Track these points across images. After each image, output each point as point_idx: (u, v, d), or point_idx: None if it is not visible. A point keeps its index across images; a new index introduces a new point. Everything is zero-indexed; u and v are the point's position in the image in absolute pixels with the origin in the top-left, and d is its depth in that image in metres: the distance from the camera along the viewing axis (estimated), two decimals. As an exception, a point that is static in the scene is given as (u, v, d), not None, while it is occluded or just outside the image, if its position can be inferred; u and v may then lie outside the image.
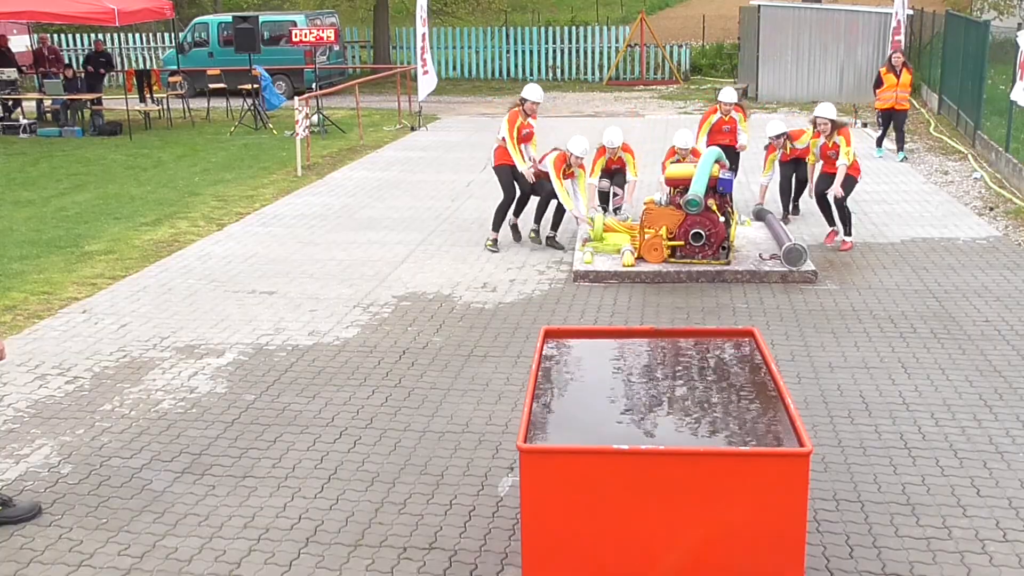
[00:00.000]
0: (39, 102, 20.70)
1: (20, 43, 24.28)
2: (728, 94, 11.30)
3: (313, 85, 19.66)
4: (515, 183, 10.04)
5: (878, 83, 14.42)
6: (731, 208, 9.33)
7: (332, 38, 19.75)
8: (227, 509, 5.05)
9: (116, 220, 11.59)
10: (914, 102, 20.78)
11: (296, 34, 19.45)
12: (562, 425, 4.22)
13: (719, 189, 9.10)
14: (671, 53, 27.76)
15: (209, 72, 22.14)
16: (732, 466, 3.79)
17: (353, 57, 29.50)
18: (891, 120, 14.48)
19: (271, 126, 19.08)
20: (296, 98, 15.53)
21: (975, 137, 15.13)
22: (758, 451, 3.89)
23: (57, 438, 5.90)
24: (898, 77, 14.09)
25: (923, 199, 11.92)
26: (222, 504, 5.10)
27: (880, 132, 14.84)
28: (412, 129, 19.07)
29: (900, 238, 10.16)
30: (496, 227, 10.06)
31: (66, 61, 23.16)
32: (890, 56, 14.70)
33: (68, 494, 5.23)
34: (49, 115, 20.67)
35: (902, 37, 18.56)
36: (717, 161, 9.15)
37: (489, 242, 10.00)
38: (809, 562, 4.19)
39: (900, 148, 14.63)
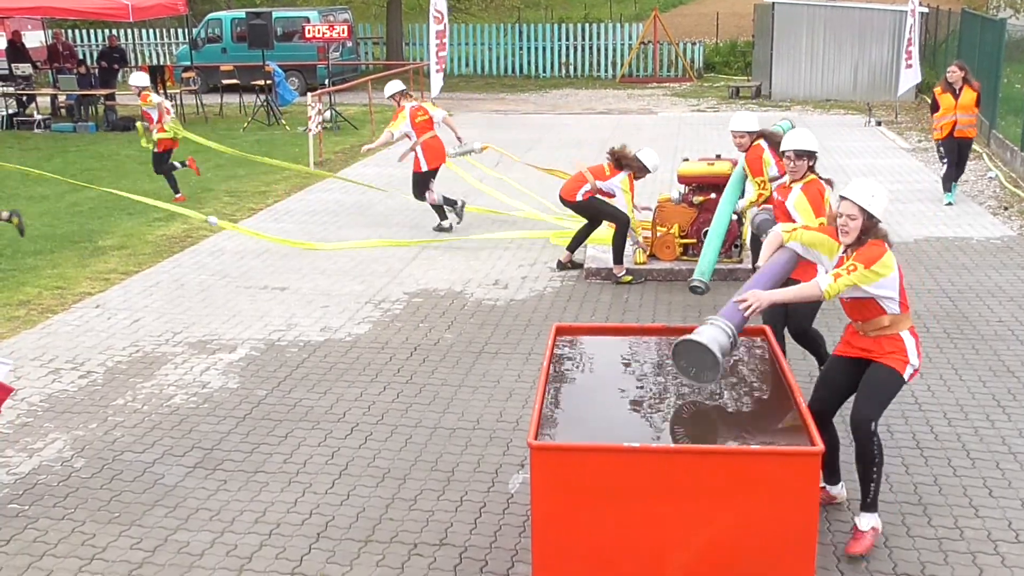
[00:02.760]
0: (53, 97, 20.79)
1: (34, 39, 24.36)
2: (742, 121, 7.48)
3: (326, 81, 19.68)
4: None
5: (934, 107, 11.65)
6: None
7: (345, 34, 19.80)
8: (238, 504, 5.07)
9: (129, 215, 11.63)
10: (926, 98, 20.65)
11: (309, 30, 19.50)
12: (573, 422, 4.22)
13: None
14: (684, 50, 27.70)
15: (222, 68, 22.21)
16: (743, 465, 3.79)
17: (366, 53, 29.53)
18: (958, 152, 11.46)
19: (284, 122, 19.11)
20: (309, 94, 15.56)
21: (990, 136, 15.05)
22: (769, 450, 3.88)
23: (70, 432, 5.93)
24: (956, 97, 11.22)
25: (937, 198, 11.85)
26: (233, 499, 5.12)
27: (945, 169, 11.64)
28: (424, 126, 19.04)
29: (913, 237, 10.11)
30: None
31: (80, 57, 23.25)
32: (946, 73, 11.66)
33: (81, 488, 5.25)
34: (63, 110, 20.76)
35: (915, 36, 18.30)
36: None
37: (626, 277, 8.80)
38: (819, 561, 4.18)
39: (950, 186, 11.68)
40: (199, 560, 4.58)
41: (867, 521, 4.53)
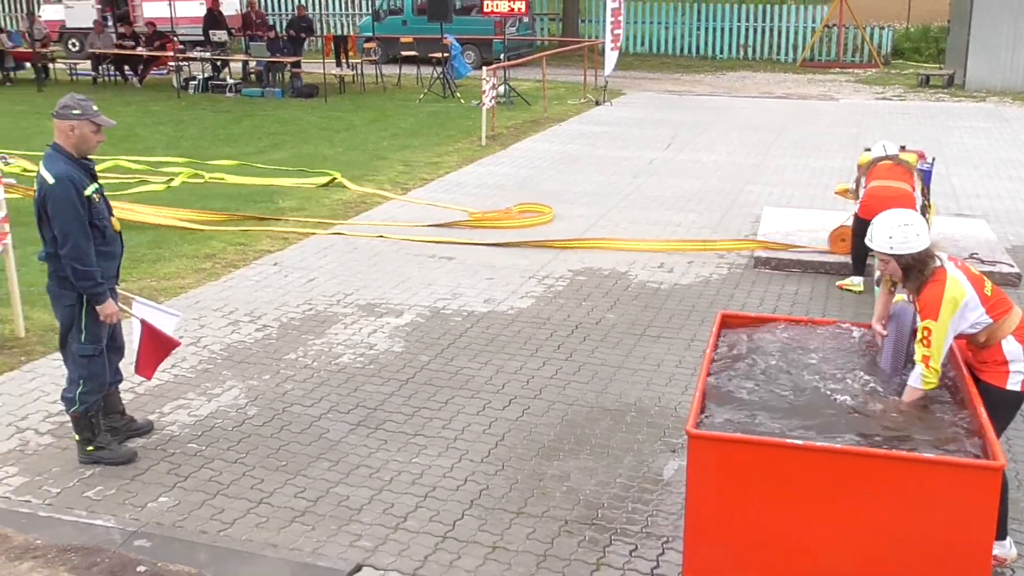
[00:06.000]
0: (244, 63, 21.84)
1: (230, 6, 25.63)
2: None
3: (501, 56, 19.86)
4: None
5: None
6: (928, 199, 8.82)
7: (523, 10, 19.87)
8: (397, 464, 5.22)
9: (307, 178, 12.10)
10: None
11: (488, 5, 19.67)
12: (733, 413, 4.12)
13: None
14: (871, 34, 26.45)
15: (402, 40, 22.74)
16: (909, 473, 3.59)
17: (542, 29, 29.61)
18: None
19: (458, 95, 19.44)
20: (484, 68, 15.74)
21: None
22: (940, 459, 3.66)
23: (245, 381, 6.26)
24: None
25: None
26: (392, 459, 5.28)
27: None
28: (596, 103, 19.00)
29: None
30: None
31: (271, 25, 24.30)
32: None
33: (252, 435, 5.54)
34: (253, 76, 21.78)
35: None
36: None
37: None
38: (991, 582, 3.94)
39: None
40: (357, 515, 4.75)
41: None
